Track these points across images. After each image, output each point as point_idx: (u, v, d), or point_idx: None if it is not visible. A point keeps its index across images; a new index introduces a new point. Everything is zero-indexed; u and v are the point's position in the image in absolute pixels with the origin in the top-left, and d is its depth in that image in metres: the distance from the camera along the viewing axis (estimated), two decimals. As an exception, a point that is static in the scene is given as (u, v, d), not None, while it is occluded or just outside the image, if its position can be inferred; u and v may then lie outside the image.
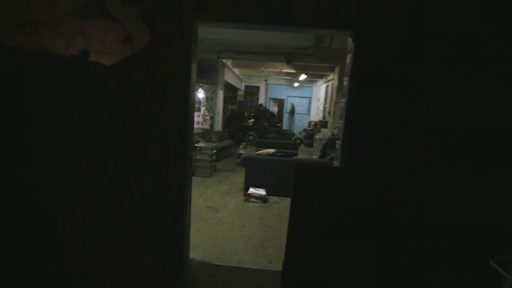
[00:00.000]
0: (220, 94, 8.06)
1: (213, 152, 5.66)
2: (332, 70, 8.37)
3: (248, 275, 2.48)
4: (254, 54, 7.03)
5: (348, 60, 2.09)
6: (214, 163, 5.84)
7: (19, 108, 1.11)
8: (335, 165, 2.24)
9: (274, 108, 14.26)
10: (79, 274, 1.37)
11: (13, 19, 1.80)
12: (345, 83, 2.14)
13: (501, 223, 1.92)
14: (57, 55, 1.44)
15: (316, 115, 12.02)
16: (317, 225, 1.95)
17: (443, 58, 1.90)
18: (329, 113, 8.38)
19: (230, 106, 11.21)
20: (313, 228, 1.95)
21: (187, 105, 2.18)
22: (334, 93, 7.57)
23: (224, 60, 7.93)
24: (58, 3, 1.91)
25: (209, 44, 6.54)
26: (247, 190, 4.49)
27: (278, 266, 2.51)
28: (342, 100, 2.18)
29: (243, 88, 12.99)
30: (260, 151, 5.23)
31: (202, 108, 7.85)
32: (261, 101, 13.80)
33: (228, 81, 9.11)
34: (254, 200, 4.36)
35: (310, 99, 13.40)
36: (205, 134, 7.23)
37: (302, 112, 13.65)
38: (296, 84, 13.06)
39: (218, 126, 8.15)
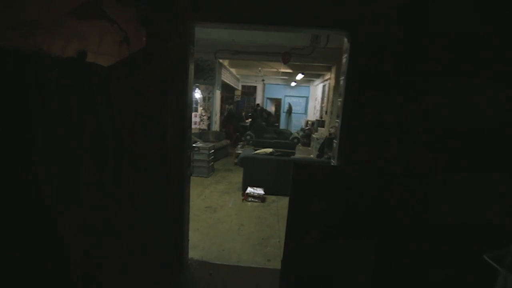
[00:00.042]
0: (217, 94, 8.04)
1: (210, 152, 5.65)
2: (328, 69, 8.39)
3: (247, 273, 2.48)
4: (251, 54, 7.03)
5: (344, 60, 2.10)
6: (212, 163, 5.83)
7: (19, 108, 1.10)
8: (332, 164, 2.26)
9: (271, 108, 14.27)
10: (79, 274, 1.38)
11: (11, 20, 1.80)
12: (341, 82, 2.15)
13: (501, 223, 1.93)
14: (56, 55, 1.44)
15: (313, 114, 12.05)
16: (315, 224, 1.95)
17: (443, 58, 1.90)
18: (326, 112, 8.41)
19: (227, 106, 11.17)
20: (311, 227, 1.95)
21: (185, 105, 2.19)
22: (331, 92, 7.58)
23: (221, 60, 7.91)
24: (56, 3, 1.91)
25: (206, 44, 6.52)
26: (245, 190, 4.49)
27: (276, 264, 2.52)
28: (339, 99, 2.19)
29: (240, 88, 12.98)
30: (258, 151, 5.24)
31: (199, 108, 7.82)
32: (258, 100, 13.79)
33: (225, 81, 9.10)
34: (252, 199, 4.37)
35: (307, 99, 13.40)
36: (203, 134, 7.21)
37: (299, 112, 13.67)
38: (293, 84, 13.07)
39: (216, 126, 8.13)
